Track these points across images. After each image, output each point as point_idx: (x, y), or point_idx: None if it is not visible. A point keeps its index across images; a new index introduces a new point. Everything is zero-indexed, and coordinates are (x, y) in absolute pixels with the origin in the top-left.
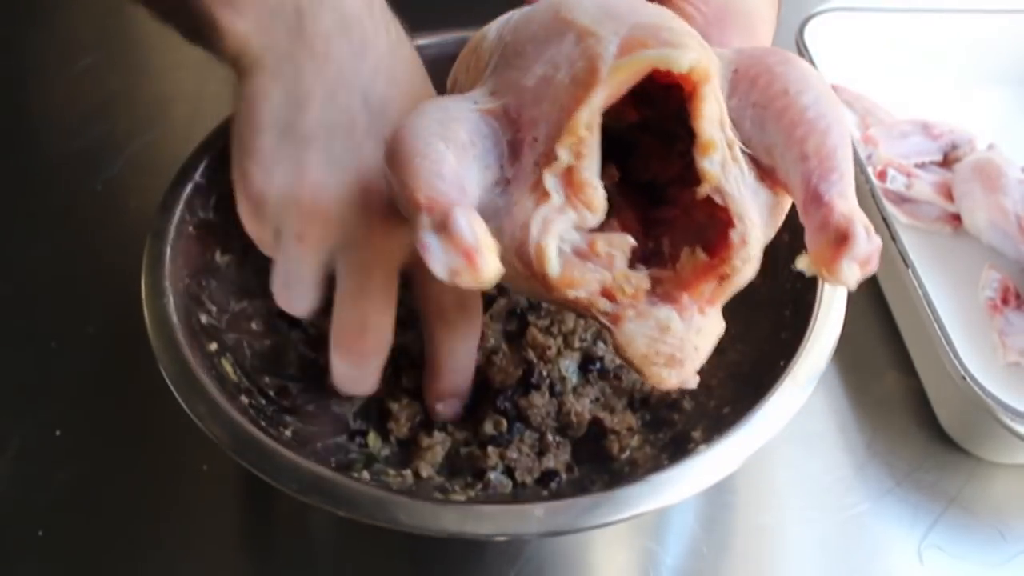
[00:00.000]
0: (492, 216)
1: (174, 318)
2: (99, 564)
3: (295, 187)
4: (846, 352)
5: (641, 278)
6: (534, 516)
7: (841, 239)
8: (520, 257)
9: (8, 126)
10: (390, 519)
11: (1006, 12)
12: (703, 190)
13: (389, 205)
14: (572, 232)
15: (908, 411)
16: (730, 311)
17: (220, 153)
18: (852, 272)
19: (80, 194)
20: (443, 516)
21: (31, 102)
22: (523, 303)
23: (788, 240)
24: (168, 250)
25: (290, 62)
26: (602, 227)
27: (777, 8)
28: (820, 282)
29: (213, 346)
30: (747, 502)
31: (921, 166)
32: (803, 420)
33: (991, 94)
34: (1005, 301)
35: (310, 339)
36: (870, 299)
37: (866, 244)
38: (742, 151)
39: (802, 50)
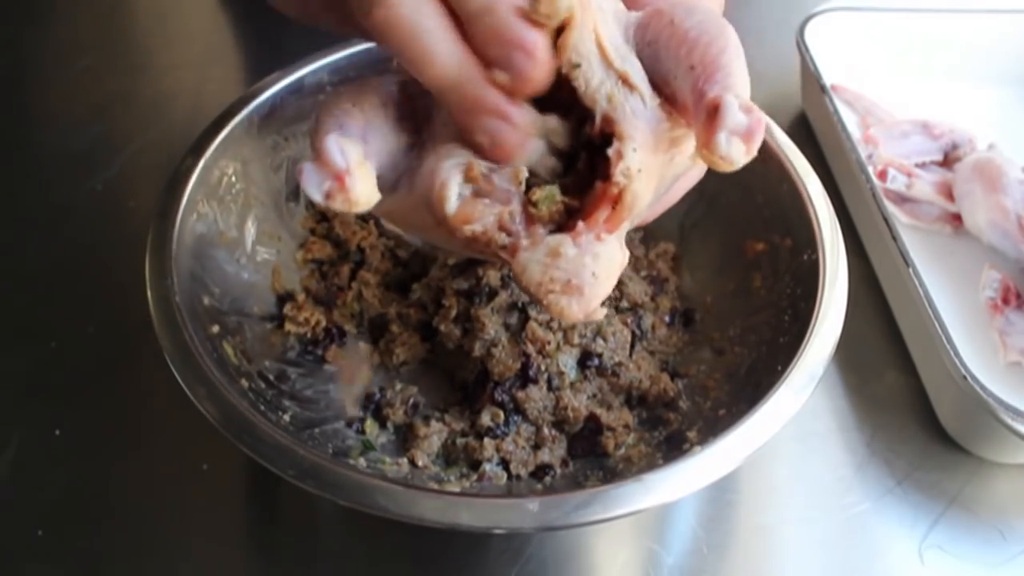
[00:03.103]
0: (407, 173)
1: (177, 299)
2: (99, 564)
3: None
4: (846, 352)
5: (545, 199)
6: (529, 511)
7: (712, 112)
8: (427, 204)
9: (8, 126)
10: (380, 507)
11: (1006, 12)
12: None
13: None
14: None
15: (908, 411)
16: (730, 313)
17: (226, 137)
18: (733, 146)
19: (80, 194)
20: (435, 506)
21: (31, 102)
22: (525, 297)
23: (790, 244)
24: (173, 231)
25: None
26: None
27: None
28: (820, 288)
29: (215, 328)
30: (747, 501)
31: (921, 166)
32: (803, 419)
33: (991, 94)
34: (1006, 301)
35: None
36: (870, 299)
37: (738, 114)
38: (651, 86)
39: (802, 50)
